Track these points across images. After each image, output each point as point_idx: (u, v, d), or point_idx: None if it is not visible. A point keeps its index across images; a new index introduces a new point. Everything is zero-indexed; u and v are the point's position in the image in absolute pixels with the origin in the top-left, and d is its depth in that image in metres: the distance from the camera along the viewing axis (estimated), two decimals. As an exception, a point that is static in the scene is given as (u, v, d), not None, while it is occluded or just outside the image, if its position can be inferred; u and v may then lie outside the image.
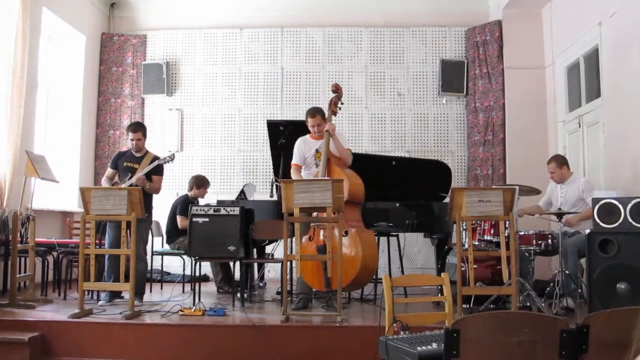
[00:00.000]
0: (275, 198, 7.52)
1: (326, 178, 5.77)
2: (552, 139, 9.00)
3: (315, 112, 6.26)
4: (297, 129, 6.59)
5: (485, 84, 9.57)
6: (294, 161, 6.34)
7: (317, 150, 6.24)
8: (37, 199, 7.22)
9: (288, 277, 5.84)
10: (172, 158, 6.58)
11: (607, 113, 7.32)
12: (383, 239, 7.16)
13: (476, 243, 6.28)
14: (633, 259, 5.21)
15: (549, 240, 6.13)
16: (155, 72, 9.98)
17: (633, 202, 5.32)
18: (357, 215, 6.09)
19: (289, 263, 5.93)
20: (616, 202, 5.39)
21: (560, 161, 6.70)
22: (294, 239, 5.57)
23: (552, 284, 6.02)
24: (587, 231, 5.46)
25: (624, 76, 6.89)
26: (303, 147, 6.32)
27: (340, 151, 6.13)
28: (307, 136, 6.41)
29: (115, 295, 6.55)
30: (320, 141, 6.20)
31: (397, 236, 7.31)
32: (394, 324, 3.08)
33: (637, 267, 5.19)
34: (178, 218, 7.71)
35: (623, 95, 6.90)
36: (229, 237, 6.23)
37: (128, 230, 5.71)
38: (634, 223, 5.30)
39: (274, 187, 7.68)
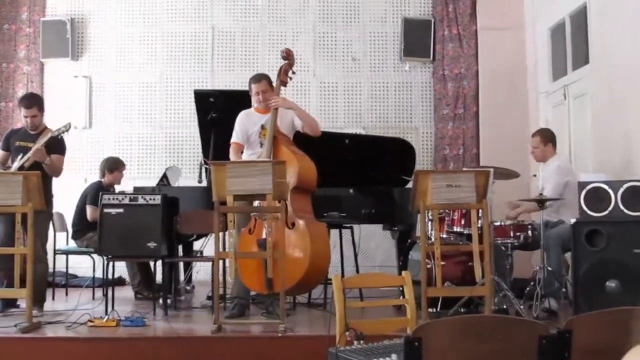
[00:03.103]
0: (204, 184, 7.47)
1: (265, 160, 5.77)
2: (534, 113, 9.10)
3: (260, 77, 6.21)
4: (231, 100, 6.63)
5: (455, 48, 9.65)
6: (234, 139, 6.25)
7: (262, 127, 6.19)
8: None
9: (221, 278, 5.86)
10: (67, 128, 6.48)
11: (596, 82, 7.38)
12: (334, 232, 7.13)
13: (444, 236, 6.32)
14: (625, 252, 5.35)
15: (529, 232, 6.20)
16: (57, 31, 9.79)
17: (625, 186, 5.45)
18: (308, 205, 6.08)
19: (221, 262, 5.89)
20: (606, 187, 5.49)
21: (546, 137, 6.77)
22: (227, 232, 5.55)
23: (532, 283, 6.11)
24: (573, 221, 5.56)
25: (615, 39, 6.95)
26: (246, 122, 6.25)
27: (307, 121, 6.15)
28: (252, 109, 6.34)
29: (9, 303, 6.41)
30: (267, 116, 6.15)
31: (351, 228, 7.29)
32: (347, 333, 3.11)
33: (629, 262, 5.33)
34: (88, 208, 7.65)
35: (614, 62, 6.97)
36: (148, 231, 6.19)
37: (23, 225, 5.59)
38: (625, 211, 5.42)
39: (204, 170, 7.63)
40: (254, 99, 6.24)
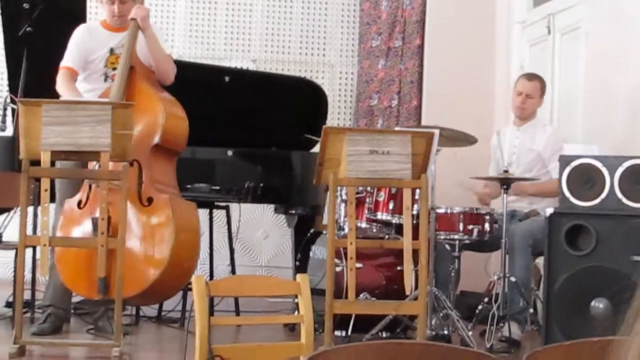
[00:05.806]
0: (9, 132, 6.81)
1: (103, 100, 5.04)
2: (502, 52, 8.33)
3: None
4: (57, 8, 5.87)
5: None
6: (66, 62, 5.46)
7: (112, 51, 5.45)
8: None
9: (27, 276, 5.37)
10: None
11: (596, 12, 6.80)
12: (202, 213, 6.46)
13: (363, 225, 5.75)
14: (620, 259, 4.79)
15: (486, 225, 5.59)
16: None
17: (626, 164, 4.90)
18: (172, 174, 5.51)
19: (29, 251, 5.37)
20: (598, 164, 4.98)
21: (543, 87, 6.21)
22: (40, 207, 4.93)
23: (487, 300, 5.60)
24: (549, 211, 5.02)
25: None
26: (89, 42, 5.49)
27: (156, 56, 5.44)
28: (97, 24, 5.69)
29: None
30: (121, 35, 5.39)
31: (227, 209, 6.67)
32: (210, 363, 2.96)
33: (625, 273, 4.71)
34: None
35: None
36: None
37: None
38: (624, 200, 4.87)
39: (9, 112, 6.91)
40: (107, 9, 5.48)
